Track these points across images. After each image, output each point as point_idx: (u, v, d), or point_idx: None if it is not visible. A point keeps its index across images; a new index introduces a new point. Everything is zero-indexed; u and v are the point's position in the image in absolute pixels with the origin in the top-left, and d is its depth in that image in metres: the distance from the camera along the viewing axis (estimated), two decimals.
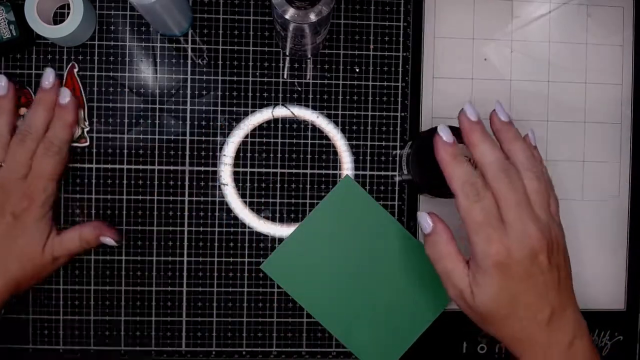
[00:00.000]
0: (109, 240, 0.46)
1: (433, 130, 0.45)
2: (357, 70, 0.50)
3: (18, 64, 0.47)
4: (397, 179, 0.50)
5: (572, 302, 0.39)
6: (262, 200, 0.49)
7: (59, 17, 0.48)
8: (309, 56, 0.49)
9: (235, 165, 0.49)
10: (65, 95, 0.45)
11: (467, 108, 0.40)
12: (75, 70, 0.48)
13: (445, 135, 0.39)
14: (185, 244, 0.49)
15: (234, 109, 0.49)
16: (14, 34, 0.45)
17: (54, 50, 0.48)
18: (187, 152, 0.49)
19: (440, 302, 0.50)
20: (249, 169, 0.49)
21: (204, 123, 0.49)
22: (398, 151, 0.50)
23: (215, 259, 0.49)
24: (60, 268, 0.48)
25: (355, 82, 0.50)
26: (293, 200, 0.49)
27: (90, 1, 0.47)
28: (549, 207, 0.39)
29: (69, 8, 0.45)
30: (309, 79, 0.49)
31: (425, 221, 0.41)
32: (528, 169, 0.39)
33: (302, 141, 0.49)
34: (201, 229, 0.49)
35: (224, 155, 0.49)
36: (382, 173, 0.50)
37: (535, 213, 0.38)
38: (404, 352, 0.49)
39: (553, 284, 0.38)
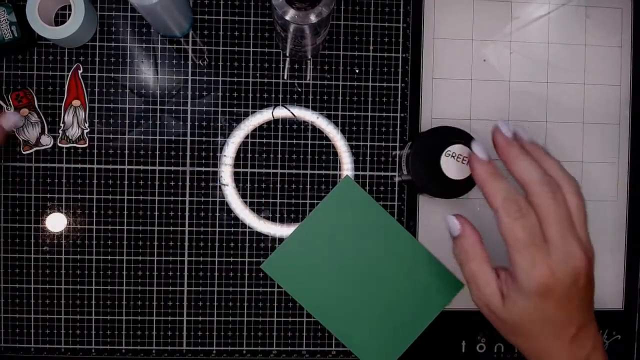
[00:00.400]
0: (10, 124, 0.45)
1: (432, 131, 0.46)
2: (357, 71, 0.50)
3: (19, 65, 0.48)
4: (396, 179, 0.50)
5: (592, 317, 0.39)
6: (262, 200, 0.49)
7: (60, 18, 0.48)
8: (309, 57, 0.49)
9: (236, 165, 0.49)
10: None
11: (501, 125, 0.39)
12: (80, 71, 0.48)
13: (480, 152, 0.39)
14: (186, 244, 0.49)
15: (234, 109, 0.49)
16: (16, 35, 0.45)
17: (55, 51, 0.48)
18: (188, 153, 0.49)
19: (439, 301, 0.50)
20: (249, 170, 0.49)
21: (204, 124, 0.49)
22: (398, 152, 0.50)
23: (216, 259, 0.49)
24: (61, 268, 0.48)
25: (355, 83, 0.50)
26: (293, 201, 0.50)
27: (91, 2, 0.47)
28: (586, 224, 0.38)
29: (70, 9, 0.45)
30: (309, 80, 0.50)
31: (454, 224, 0.40)
32: (568, 183, 0.38)
33: (302, 142, 0.50)
34: (202, 229, 0.49)
35: (225, 155, 0.49)
36: (382, 173, 0.50)
37: (576, 231, 0.37)
38: (403, 352, 0.50)
39: (584, 303, 0.38)
